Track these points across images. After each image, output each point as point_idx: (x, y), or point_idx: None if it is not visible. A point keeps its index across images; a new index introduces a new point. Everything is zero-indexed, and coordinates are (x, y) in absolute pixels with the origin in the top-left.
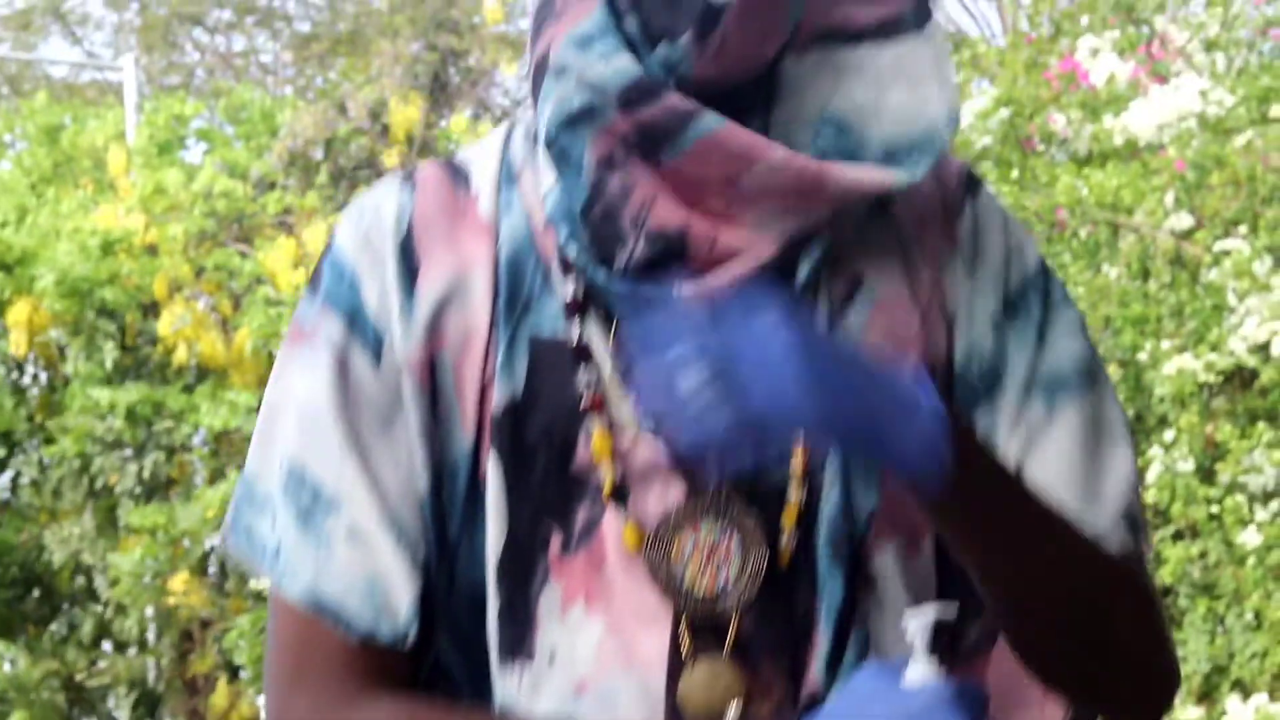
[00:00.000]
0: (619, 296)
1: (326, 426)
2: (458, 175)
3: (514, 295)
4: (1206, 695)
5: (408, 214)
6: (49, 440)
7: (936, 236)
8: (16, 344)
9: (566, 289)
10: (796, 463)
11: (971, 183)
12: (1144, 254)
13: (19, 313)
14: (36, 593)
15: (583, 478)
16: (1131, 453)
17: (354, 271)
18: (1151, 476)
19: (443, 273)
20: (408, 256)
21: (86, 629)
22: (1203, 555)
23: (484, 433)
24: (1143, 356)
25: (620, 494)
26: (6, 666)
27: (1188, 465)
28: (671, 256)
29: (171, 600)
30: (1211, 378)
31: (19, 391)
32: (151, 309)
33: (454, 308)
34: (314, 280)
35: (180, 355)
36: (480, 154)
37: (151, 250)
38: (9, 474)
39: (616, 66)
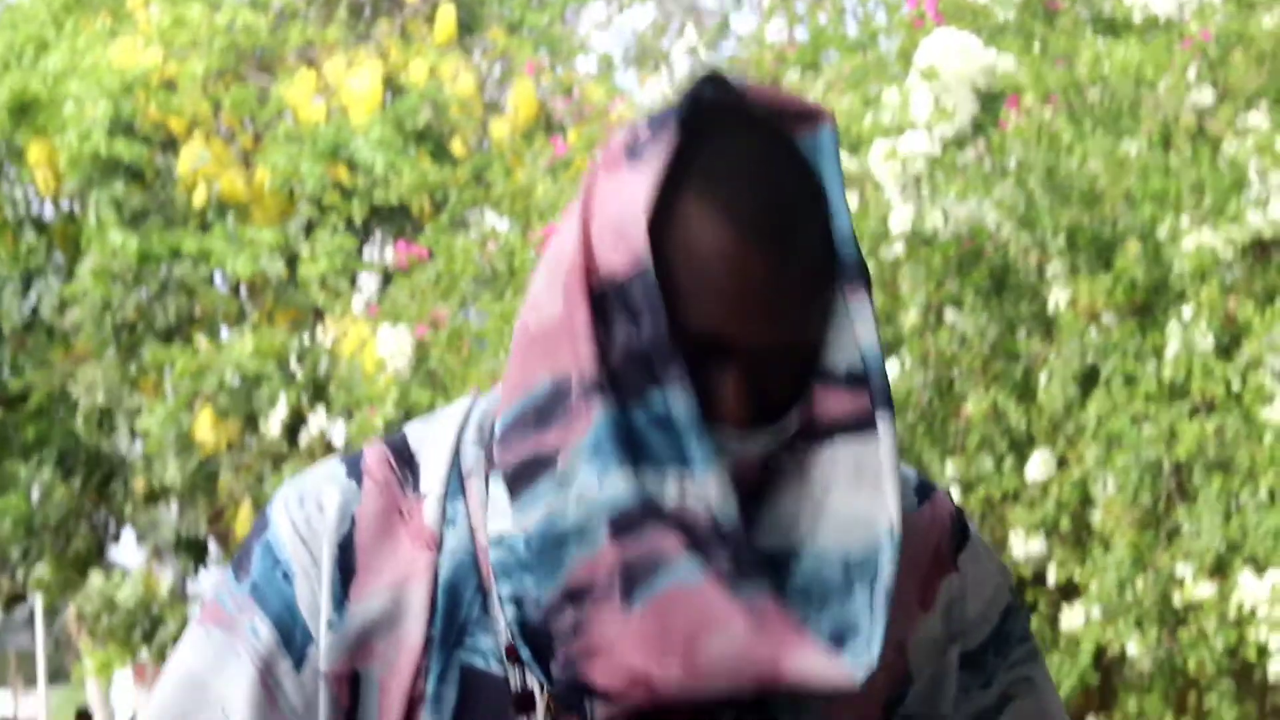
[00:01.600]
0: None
1: None
2: (406, 469)
3: (450, 620)
4: (1219, 571)
5: (351, 511)
6: (71, 274)
7: (912, 594)
8: (45, 182)
9: (503, 631)
10: None
11: (960, 534)
12: (1165, 128)
13: (38, 153)
14: (62, 431)
15: None
16: None
17: (289, 567)
18: (1170, 353)
19: (379, 589)
20: (345, 559)
21: (116, 474)
22: (1219, 432)
23: None
24: (1162, 231)
25: None
26: (35, 493)
27: (1207, 341)
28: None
29: (202, 452)
30: (1231, 254)
31: (41, 225)
32: (170, 146)
33: (387, 627)
34: (242, 559)
35: (200, 194)
36: (433, 440)
37: (170, 86)
38: (31, 302)
39: (611, 491)
